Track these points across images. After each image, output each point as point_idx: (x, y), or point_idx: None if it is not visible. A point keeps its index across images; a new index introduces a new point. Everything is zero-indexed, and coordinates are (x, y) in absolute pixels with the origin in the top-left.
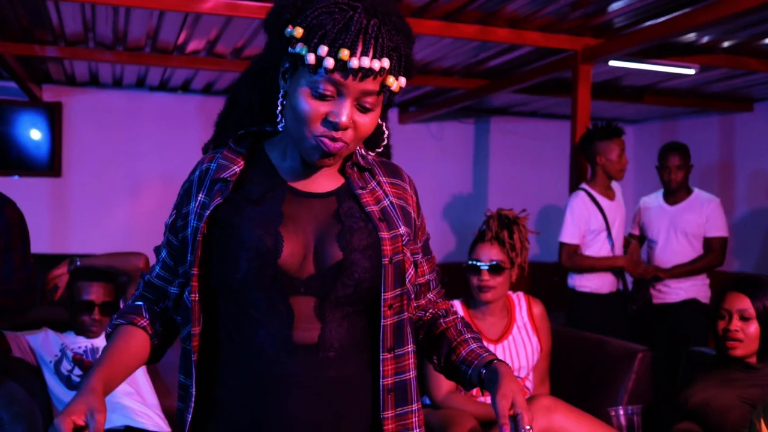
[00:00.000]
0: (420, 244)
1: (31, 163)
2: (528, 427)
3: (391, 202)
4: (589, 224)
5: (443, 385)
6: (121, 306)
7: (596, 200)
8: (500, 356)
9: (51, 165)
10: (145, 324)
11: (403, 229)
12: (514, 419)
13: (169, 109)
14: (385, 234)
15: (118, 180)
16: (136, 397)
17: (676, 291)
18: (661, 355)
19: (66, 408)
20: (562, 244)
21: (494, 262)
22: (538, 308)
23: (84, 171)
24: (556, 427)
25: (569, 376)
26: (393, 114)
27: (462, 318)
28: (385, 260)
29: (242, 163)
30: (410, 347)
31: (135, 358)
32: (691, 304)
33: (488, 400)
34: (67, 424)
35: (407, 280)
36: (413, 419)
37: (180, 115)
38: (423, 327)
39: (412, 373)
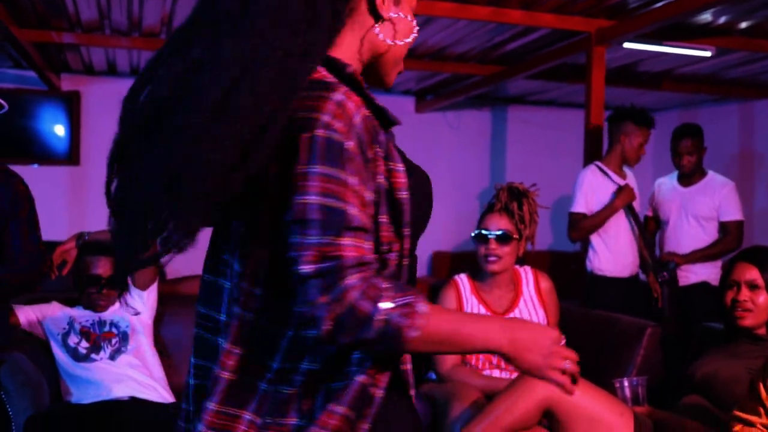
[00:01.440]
0: None
1: (50, 152)
2: None
3: None
4: (597, 194)
5: (448, 358)
6: (130, 283)
7: (608, 174)
8: None
9: (70, 154)
10: None
11: None
12: None
13: None
14: None
15: None
16: (143, 370)
17: (687, 275)
18: (673, 333)
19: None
20: (569, 215)
21: (502, 232)
22: (545, 282)
23: (102, 160)
24: (559, 395)
25: (578, 352)
26: (410, 103)
27: None
28: None
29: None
30: None
31: None
32: (703, 287)
33: (494, 373)
34: None
35: None
36: None
37: None
38: None
39: None
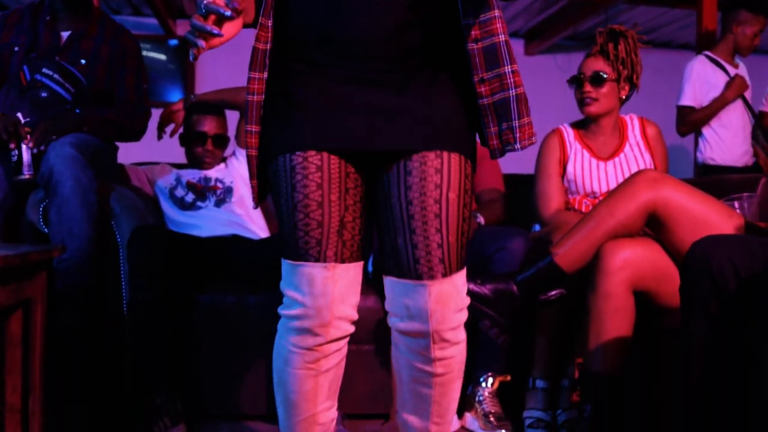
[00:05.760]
0: None
1: (165, 96)
2: None
3: None
4: (707, 85)
5: (552, 203)
6: (229, 137)
7: (719, 63)
8: (611, 173)
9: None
10: None
11: None
12: None
13: None
14: None
15: None
16: (246, 218)
17: None
18: None
19: None
20: (678, 109)
21: (594, 73)
22: (652, 129)
23: None
24: (664, 197)
25: None
26: (518, 45)
27: None
28: None
29: None
30: None
31: None
32: None
33: None
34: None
35: None
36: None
37: None
38: None
39: None
